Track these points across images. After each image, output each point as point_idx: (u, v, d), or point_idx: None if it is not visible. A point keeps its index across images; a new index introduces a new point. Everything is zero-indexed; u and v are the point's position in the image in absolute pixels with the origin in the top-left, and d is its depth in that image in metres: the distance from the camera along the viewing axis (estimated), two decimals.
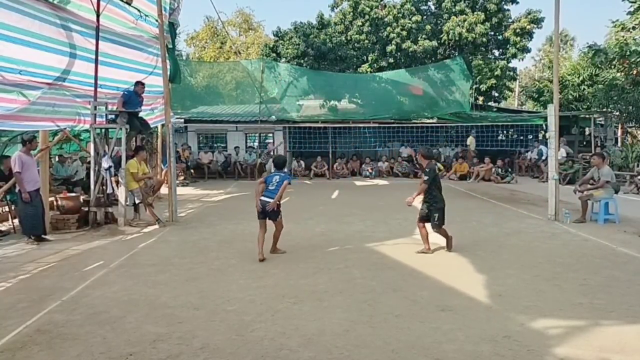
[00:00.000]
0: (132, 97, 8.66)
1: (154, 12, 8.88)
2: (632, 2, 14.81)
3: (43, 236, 7.10)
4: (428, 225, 6.07)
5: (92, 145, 8.37)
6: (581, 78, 20.03)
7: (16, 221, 8.11)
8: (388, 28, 22.15)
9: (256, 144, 19.18)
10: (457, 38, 21.86)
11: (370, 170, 18.14)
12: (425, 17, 23.18)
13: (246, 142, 19.19)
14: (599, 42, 16.79)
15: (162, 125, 12.13)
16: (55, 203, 8.52)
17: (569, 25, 66.99)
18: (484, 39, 22.32)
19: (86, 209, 8.26)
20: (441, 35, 22.47)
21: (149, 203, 8.49)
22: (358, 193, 13.19)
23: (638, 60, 14.14)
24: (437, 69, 19.96)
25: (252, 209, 9.89)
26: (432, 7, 24.39)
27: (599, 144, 16.75)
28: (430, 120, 18.62)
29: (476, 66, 21.68)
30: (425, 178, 5.94)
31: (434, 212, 5.94)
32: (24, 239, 7.05)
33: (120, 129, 8.22)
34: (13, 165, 6.89)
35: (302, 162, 18.54)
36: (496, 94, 24.30)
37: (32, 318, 3.93)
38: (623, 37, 14.65)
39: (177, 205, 8.81)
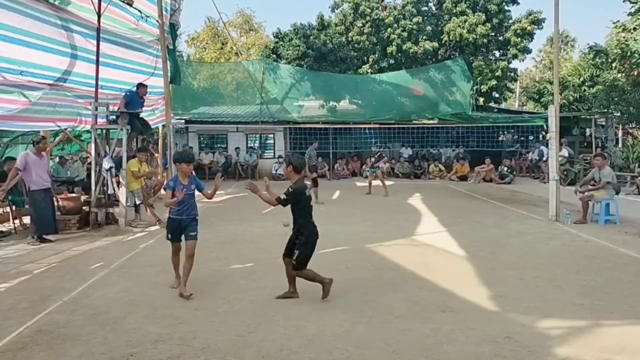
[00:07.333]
0: (134, 98, 8.66)
1: (154, 13, 8.90)
2: (633, 3, 14.78)
3: (45, 237, 7.11)
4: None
5: (93, 146, 8.37)
6: (582, 79, 20.01)
7: (17, 222, 8.13)
8: (389, 29, 22.15)
9: (257, 144, 19.18)
10: (457, 39, 21.86)
11: None
12: (425, 18, 23.15)
13: (247, 143, 19.18)
14: (600, 43, 16.78)
15: (163, 126, 12.13)
16: (56, 204, 8.52)
17: (569, 26, 67.04)
18: (485, 40, 22.30)
19: (87, 209, 8.27)
20: (442, 36, 22.46)
21: (150, 204, 8.49)
22: (358, 194, 13.19)
23: (639, 61, 14.12)
24: (438, 70, 19.96)
25: (252, 209, 9.99)
26: (433, 8, 24.38)
27: (599, 145, 16.73)
28: (431, 121, 18.62)
29: (477, 67, 21.67)
30: (283, 197, 4.17)
31: (297, 247, 4.27)
32: (26, 240, 7.05)
33: (121, 129, 8.22)
34: (17, 162, 6.93)
35: None
36: (497, 95, 24.28)
37: (33, 318, 3.93)
38: (624, 37, 14.62)
39: None
